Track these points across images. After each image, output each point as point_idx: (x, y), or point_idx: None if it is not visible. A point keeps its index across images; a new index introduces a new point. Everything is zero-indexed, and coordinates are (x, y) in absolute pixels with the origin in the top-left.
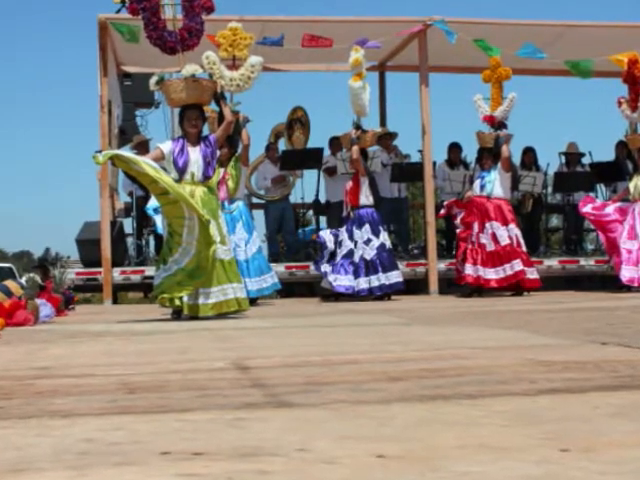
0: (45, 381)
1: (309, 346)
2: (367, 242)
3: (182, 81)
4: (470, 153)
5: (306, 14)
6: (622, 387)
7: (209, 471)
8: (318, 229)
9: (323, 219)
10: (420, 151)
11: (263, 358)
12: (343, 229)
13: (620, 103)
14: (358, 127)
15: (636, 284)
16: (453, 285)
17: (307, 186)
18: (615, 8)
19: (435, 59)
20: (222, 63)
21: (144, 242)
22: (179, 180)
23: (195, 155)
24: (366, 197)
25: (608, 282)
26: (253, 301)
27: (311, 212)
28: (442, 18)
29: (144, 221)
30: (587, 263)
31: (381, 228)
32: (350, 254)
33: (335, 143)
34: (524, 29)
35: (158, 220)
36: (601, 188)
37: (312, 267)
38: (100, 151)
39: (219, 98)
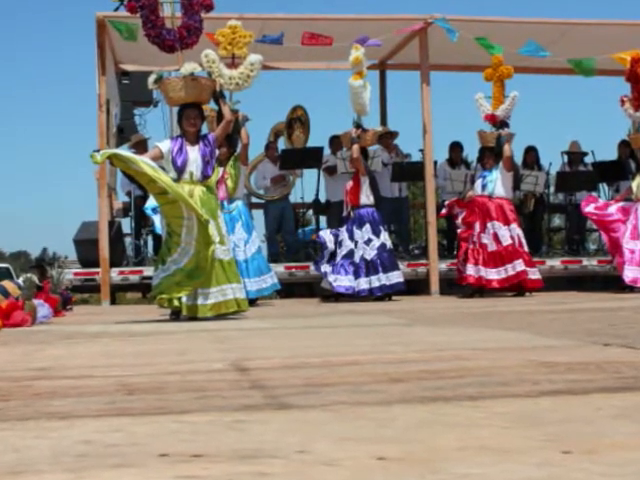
0: (43, 382)
1: (309, 347)
2: (367, 242)
3: (181, 80)
4: (471, 152)
5: (306, 12)
6: (625, 388)
7: (208, 473)
8: (318, 229)
9: (323, 219)
10: (421, 150)
11: (262, 359)
12: (343, 229)
13: (623, 102)
14: (358, 126)
15: (639, 284)
16: (454, 285)
17: (307, 185)
18: (619, 6)
19: (436, 57)
20: (221, 61)
21: (142, 242)
22: (178, 179)
23: (194, 154)
24: (366, 197)
25: (611, 282)
26: (252, 302)
27: (311, 212)
28: (443, 16)
29: (142, 221)
30: (590, 263)
31: (382, 228)
32: (350, 254)
33: (335, 142)
34: (526, 27)
35: (157, 220)
36: (604, 187)
37: (312, 267)
38: (98, 150)
39: (218, 97)
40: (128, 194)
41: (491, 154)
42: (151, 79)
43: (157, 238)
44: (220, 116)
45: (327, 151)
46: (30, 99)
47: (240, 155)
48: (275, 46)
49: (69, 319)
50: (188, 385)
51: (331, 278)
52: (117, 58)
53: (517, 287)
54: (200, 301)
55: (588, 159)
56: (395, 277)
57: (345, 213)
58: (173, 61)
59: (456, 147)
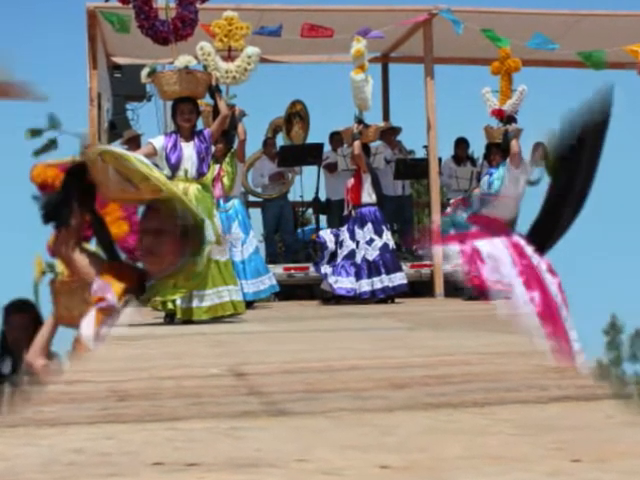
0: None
1: (309, 351)
2: (369, 242)
3: (175, 73)
4: (478, 149)
5: (306, 3)
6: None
7: None
8: (318, 228)
9: (323, 218)
10: (425, 147)
11: (260, 364)
12: (344, 228)
13: None
14: (360, 121)
15: None
16: (460, 287)
17: (306, 183)
18: None
19: (441, 50)
20: (217, 54)
21: None
22: (172, 177)
23: (189, 151)
24: (368, 195)
25: None
26: (250, 304)
27: (311, 211)
28: (448, 7)
29: None
30: None
31: (384, 227)
32: (352, 255)
33: (336, 138)
34: (535, 18)
35: None
36: None
37: (312, 268)
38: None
39: (214, 91)
40: None
41: (498, 150)
42: (144, 72)
43: None
44: (216, 111)
45: (327, 147)
46: None
47: (237, 152)
48: (273, 38)
49: None
50: (183, 391)
51: (332, 280)
52: (109, 51)
53: None
54: (195, 303)
55: None
56: (398, 279)
57: (346, 212)
58: (167, 54)
59: (462, 143)
